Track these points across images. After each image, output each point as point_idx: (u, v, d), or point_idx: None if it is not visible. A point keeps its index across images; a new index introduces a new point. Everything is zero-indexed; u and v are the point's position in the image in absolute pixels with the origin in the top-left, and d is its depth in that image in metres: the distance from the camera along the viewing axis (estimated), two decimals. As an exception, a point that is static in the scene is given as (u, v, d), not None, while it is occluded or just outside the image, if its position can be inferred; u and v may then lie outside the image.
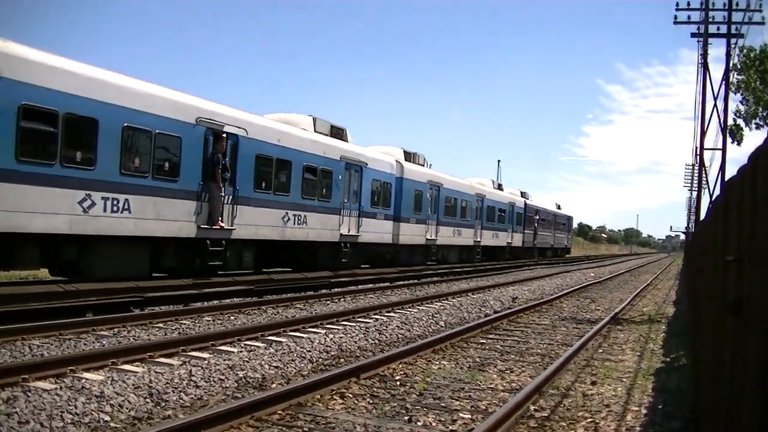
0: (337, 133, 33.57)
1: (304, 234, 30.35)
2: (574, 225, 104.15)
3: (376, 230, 37.32)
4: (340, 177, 32.80)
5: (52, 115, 18.17)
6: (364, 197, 35.39)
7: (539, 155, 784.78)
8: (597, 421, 10.22)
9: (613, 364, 15.11)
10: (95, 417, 8.98)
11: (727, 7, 41.48)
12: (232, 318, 18.54)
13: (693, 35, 43.45)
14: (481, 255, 55.56)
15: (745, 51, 40.75)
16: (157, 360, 12.39)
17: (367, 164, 35.45)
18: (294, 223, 29.45)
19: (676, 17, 42.79)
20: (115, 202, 20.12)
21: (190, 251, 23.71)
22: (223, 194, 24.54)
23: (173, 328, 16.43)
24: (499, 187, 63.57)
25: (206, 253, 23.93)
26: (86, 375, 10.83)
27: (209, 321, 17.81)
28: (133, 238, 21.11)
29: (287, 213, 28.92)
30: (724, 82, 41.04)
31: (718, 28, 41.97)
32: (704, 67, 42.95)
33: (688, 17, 42.66)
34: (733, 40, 41.44)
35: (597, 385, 12.80)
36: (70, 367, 10.98)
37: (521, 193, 70.53)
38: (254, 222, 26.71)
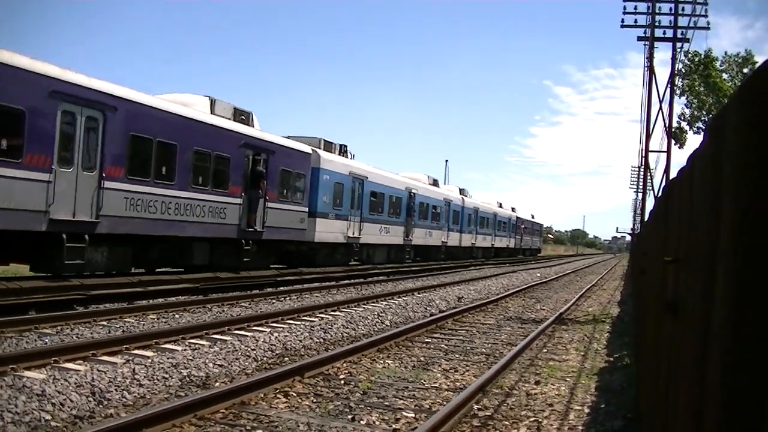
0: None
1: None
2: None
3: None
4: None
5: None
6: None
7: (487, 156, 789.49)
8: (540, 420, 10.31)
9: (557, 363, 15.25)
10: (36, 416, 8.88)
11: (673, 12, 41.97)
12: (176, 316, 18.41)
13: (639, 39, 43.89)
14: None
15: (689, 56, 41.35)
16: (100, 358, 12.27)
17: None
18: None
19: (623, 20, 43.14)
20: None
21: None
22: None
23: (117, 326, 16.28)
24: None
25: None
26: (27, 373, 10.70)
27: (154, 319, 17.68)
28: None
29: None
30: (669, 86, 41.53)
31: (664, 32, 42.44)
32: (650, 70, 43.40)
33: (635, 21, 43.04)
34: (678, 45, 42.00)
35: (541, 384, 12.91)
36: (10, 366, 10.83)
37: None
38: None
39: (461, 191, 68.16)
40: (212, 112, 28.85)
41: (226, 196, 28.84)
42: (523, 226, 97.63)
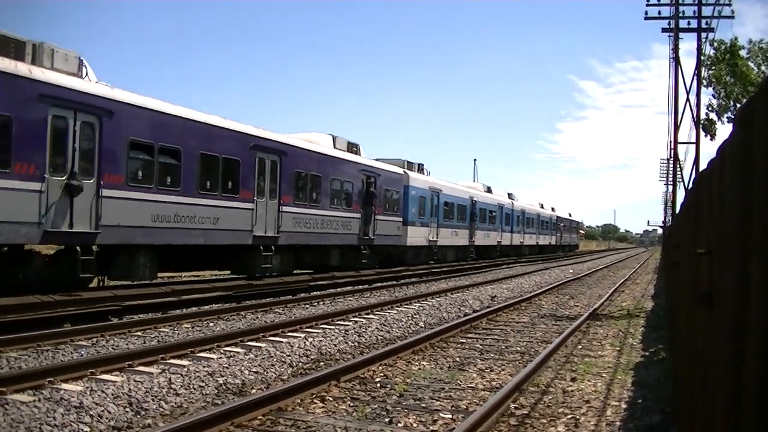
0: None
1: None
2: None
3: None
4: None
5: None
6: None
7: (514, 153, 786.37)
8: (577, 417, 10.27)
9: (592, 360, 15.18)
10: (74, 428, 8.95)
11: (696, 2, 41.66)
12: (211, 324, 18.48)
13: (664, 30, 43.57)
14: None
15: (715, 45, 40.96)
16: (136, 369, 12.33)
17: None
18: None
19: (646, 13, 42.80)
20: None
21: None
22: None
23: (152, 336, 16.36)
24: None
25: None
26: (65, 386, 10.77)
27: (188, 328, 17.76)
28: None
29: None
30: (695, 77, 41.23)
31: (689, 23, 42.10)
32: (676, 61, 43.13)
33: (659, 12, 42.73)
34: (703, 34, 41.65)
35: (577, 381, 12.86)
36: (48, 379, 10.91)
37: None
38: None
39: (509, 195, 74.02)
40: (334, 146, 35.98)
41: (351, 212, 36.55)
42: (562, 225, 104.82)
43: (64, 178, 19.21)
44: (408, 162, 46.18)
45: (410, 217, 44.05)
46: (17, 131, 18.00)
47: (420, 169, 48.17)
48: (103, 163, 20.50)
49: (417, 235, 45.47)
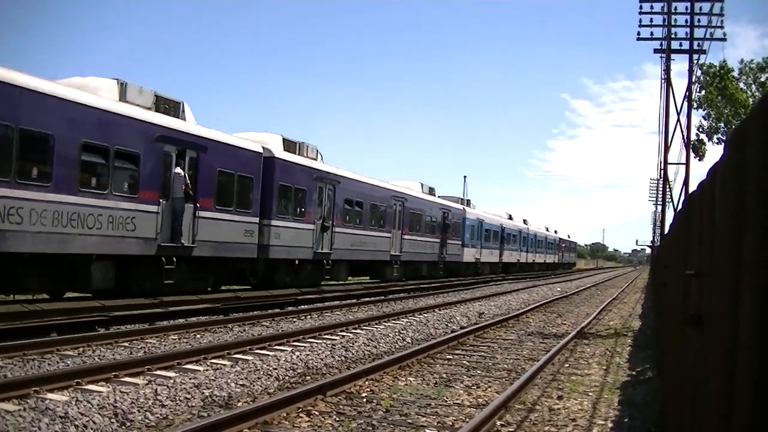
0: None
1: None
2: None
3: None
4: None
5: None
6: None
7: (506, 170, 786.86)
8: (563, 435, 10.26)
9: (579, 378, 15.18)
10: (59, 438, 8.90)
11: (689, 24, 41.86)
12: (198, 336, 18.43)
13: (656, 51, 43.79)
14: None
15: (705, 68, 41.19)
16: (122, 379, 12.27)
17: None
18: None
19: (639, 34, 43.00)
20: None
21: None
22: None
23: (139, 347, 16.31)
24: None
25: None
26: (50, 395, 10.71)
27: (175, 339, 17.70)
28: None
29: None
30: (686, 98, 41.42)
31: (681, 44, 42.28)
32: (667, 82, 43.29)
33: (651, 33, 42.91)
34: (695, 56, 41.86)
35: (563, 399, 12.86)
36: (33, 388, 10.84)
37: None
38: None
39: (524, 221, 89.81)
40: (422, 191, 51.70)
41: (435, 238, 53.06)
42: (563, 245, 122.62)
43: (320, 222, 34.98)
44: (461, 198, 64.55)
45: (466, 241, 60.54)
46: (304, 196, 34.04)
47: (468, 203, 64.88)
48: (335, 211, 36.69)
49: (469, 255, 61.82)
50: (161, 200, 24.05)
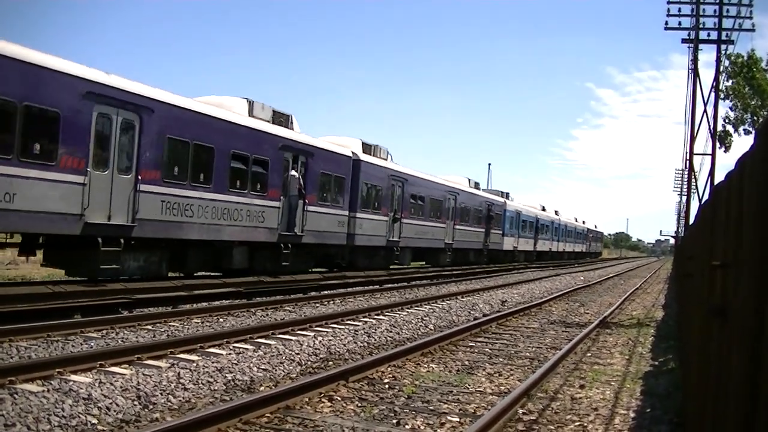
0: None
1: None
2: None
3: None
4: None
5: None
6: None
7: (528, 158, 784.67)
8: (585, 424, 10.25)
9: (601, 367, 15.14)
10: (82, 420, 8.95)
11: (717, 14, 41.50)
12: (220, 320, 18.50)
13: (684, 41, 43.44)
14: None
15: (732, 58, 40.78)
16: (145, 362, 12.34)
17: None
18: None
19: (667, 23, 42.66)
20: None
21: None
22: None
23: (162, 330, 16.38)
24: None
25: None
26: (74, 377, 10.78)
27: (198, 323, 17.76)
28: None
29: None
30: (713, 88, 41.09)
31: (709, 35, 41.93)
32: (694, 73, 42.97)
33: (679, 23, 42.59)
34: (723, 46, 41.50)
35: (585, 388, 12.82)
36: (57, 369, 10.92)
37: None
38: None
39: (556, 212, 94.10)
40: (468, 185, 55.88)
41: (479, 228, 57.58)
42: (591, 235, 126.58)
43: (392, 214, 40.24)
44: (502, 192, 68.28)
45: (506, 231, 65.32)
46: (381, 193, 39.50)
47: (507, 196, 68.56)
48: (403, 205, 41.49)
49: (508, 243, 66.44)
50: (282, 197, 29.34)
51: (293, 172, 29.95)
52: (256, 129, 27.75)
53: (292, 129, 31.05)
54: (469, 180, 56.53)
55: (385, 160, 40.54)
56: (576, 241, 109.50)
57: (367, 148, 38.18)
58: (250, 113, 28.22)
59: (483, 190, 63.11)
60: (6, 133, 17.66)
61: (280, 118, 30.28)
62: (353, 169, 35.73)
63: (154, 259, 23.38)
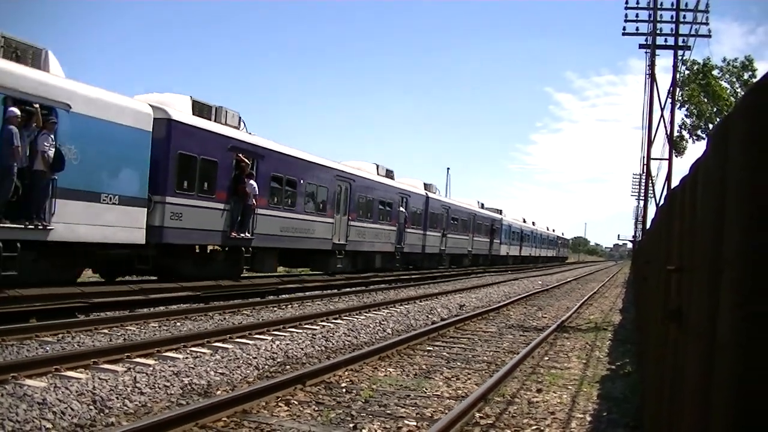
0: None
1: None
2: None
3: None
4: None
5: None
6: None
7: (487, 162, 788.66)
8: (542, 428, 10.28)
9: (558, 371, 15.21)
10: (37, 424, 8.86)
11: (674, 20, 41.95)
12: (178, 324, 18.39)
13: (641, 46, 43.84)
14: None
15: (688, 64, 41.27)
16: (101, 366, 12.23)
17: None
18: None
19: (624, 28, 43.00)
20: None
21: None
22: None
23: (118, 334, 16.26)
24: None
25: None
26: (28, 382, 10.67)
27: (155, 327, 17.65)
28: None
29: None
30: (670, 94, 41.51)
31: (666, 40, 42.38)
32: (651, 78, 43.43)
33: (637, 28, 42.92)
34: (680, 52, 41.95)
35: (542, 392, 12.87)
36: (11, 374, 10.80)
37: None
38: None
39: (533, 223, 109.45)
40: (477, 205, 71.39)
41: (486, 238, 73.46)
42: (560, 242, 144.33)
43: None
44: (498, 210, 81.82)
45: (502, 240, 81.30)
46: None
47: (501, 212, 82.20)
48: (446, 222, 57.61)
49: (504, 250, 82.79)
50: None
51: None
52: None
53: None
54: (477, 202, 72.74)
55: (428, 189, 54.19)
56: (549, 247, 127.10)
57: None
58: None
59: (486, 209, 76.89)
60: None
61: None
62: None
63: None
